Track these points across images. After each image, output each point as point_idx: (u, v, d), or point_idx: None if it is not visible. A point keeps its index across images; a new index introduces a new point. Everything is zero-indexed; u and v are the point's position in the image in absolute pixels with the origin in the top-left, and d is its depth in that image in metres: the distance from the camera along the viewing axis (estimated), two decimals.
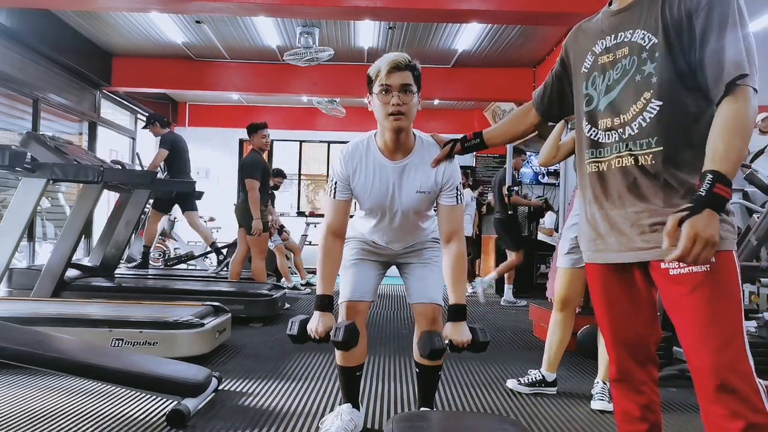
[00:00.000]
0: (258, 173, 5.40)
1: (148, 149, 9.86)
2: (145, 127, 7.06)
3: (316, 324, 2.09)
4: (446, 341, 2.05)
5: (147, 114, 7.36)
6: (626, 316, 1.55)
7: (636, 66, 1.47)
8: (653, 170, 1.44)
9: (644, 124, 1.45)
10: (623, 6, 1.53)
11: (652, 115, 1.44)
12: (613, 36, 1.52)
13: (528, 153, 9.96)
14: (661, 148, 1.43)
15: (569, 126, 3.07)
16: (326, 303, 2.13)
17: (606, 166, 1.52)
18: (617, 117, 1.49)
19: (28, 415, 2.51)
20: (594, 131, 1.55)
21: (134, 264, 6.67)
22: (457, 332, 2.06)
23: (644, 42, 1.46)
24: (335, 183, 2.19)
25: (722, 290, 1.37)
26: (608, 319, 1.58)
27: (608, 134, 1.51)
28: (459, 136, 2.17)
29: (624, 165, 1.48)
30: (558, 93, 1.79)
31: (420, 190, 2.19)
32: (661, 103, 1.43)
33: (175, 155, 6.55)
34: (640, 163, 1.46)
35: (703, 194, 1.28)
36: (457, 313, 2.10)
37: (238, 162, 10.87)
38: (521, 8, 5.25)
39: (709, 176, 1.29)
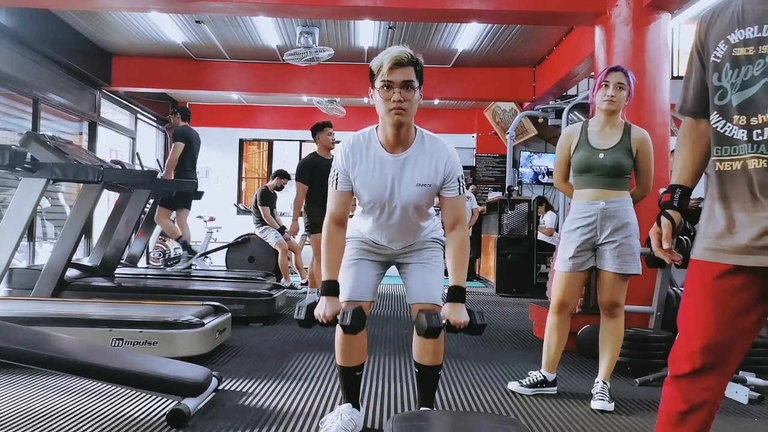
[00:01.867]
0: (306, 176, 5.33)
1: (149, 149, 9.89)
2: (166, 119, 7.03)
3: (323, 309, 2.16)
4: (444, 321, 2.11)
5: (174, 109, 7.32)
6: (722, 320, 1.43)
7: None
8: None
9: None
10: None
11: None
12: (756, 28, 1.38)
13: (529, 153, 9.99)
14: None
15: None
16: (333, 288, 2.20)
17: (738, 165, 1.41)
18: (754, 117, 1.38)
19: (28, 415, 2.50)
20: (728, 127, 1.43)
21: (174, 262, 6.85)
22: (455, 313, 2.13)
23: None
24: (337, 175, 2.24)
25: None
26: (698, 318, 1.47)
27: (742, 131, 1.40)
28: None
29: (756, 167, 1.38)
30: (705, 86, 1.55)
31: (420, 183, 2.21)
32: None
33: (185, 150, 6.53)
34: None
35: None
36: (456, 294, 2.17)
37: (238, 162, 10.95)
38: (521, 8, 5.25)
39: None
